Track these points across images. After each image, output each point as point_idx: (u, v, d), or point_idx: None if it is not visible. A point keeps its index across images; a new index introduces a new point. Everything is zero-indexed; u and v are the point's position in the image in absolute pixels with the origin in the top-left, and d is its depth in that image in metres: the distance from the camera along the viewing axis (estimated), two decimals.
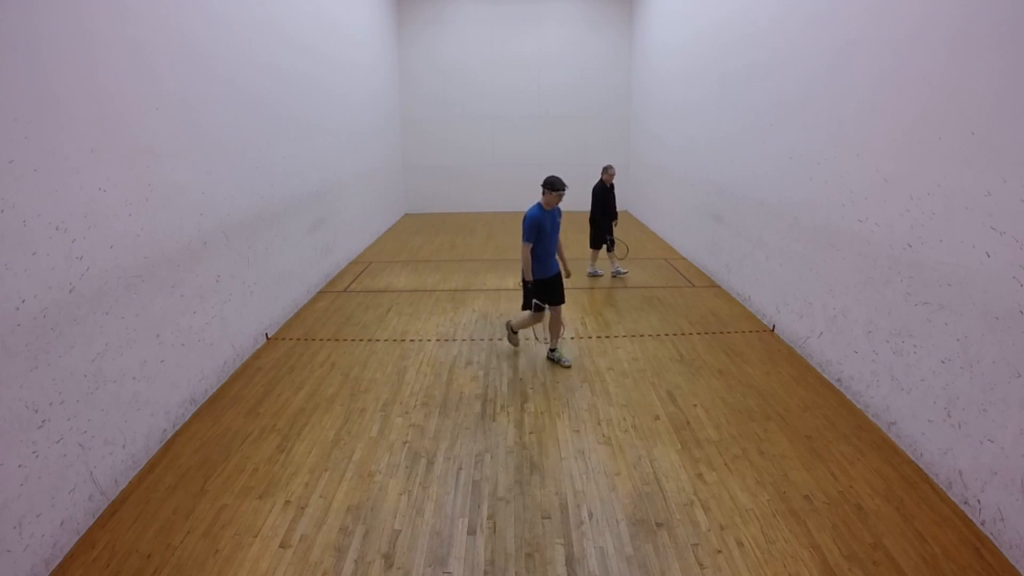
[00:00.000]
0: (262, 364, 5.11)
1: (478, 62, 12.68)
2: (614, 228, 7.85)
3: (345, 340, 5.65)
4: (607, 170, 7.63)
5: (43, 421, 2.84)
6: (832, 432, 3.95)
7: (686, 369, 4.95)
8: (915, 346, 3.66)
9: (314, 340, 5.66)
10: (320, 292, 7.25)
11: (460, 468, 3.60)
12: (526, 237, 4.71)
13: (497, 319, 6.23)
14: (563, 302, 5.04)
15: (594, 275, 7.91)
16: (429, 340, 5.64)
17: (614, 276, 7.88)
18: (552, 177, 4.67)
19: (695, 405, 4.33)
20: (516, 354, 5.30)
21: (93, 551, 2.94)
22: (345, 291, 7.34)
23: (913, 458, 3.64)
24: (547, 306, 4.94)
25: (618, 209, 8.40)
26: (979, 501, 3.07)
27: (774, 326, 5.76)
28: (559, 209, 4.88)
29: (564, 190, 4.66)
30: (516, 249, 9.59)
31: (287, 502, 3.29)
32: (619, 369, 4.94)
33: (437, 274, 8.10)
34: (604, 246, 7.72)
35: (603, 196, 7.60)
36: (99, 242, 3.32)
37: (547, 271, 4.89)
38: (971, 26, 3.21)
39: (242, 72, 5.25)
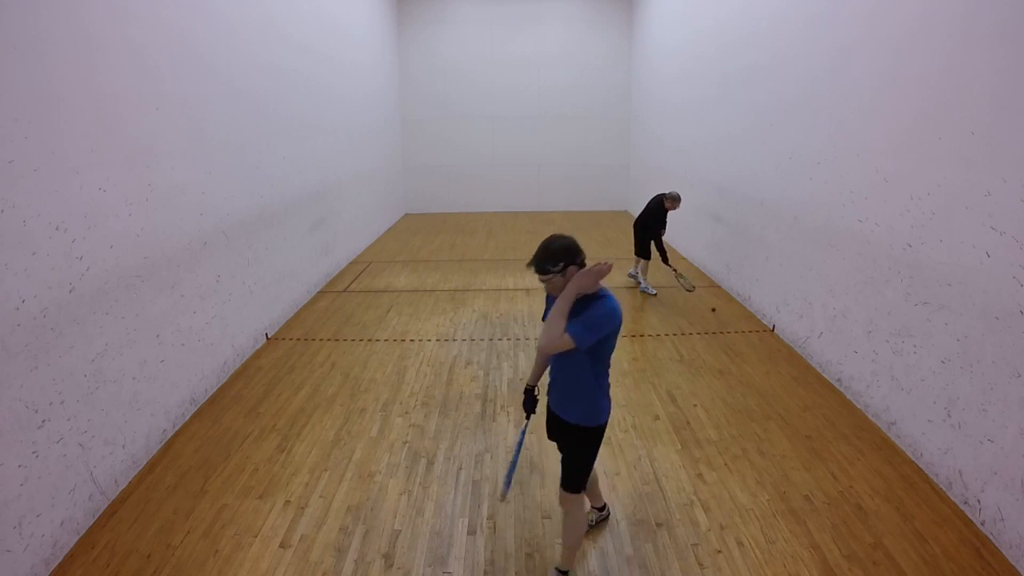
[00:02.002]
0: (262, 364, 5.11)
1: (478, 62, 12.68)
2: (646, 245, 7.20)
3: (345, 340, 5.65)
4: (675, 200, 6.85)
5: (43, 421, 2.84)
6: (832, 432, 3.95)
7: (686, 369, 4.94)
8: (915, 346, 3.66)
9: (314, 340, 5.66)
10: (320, 292, 7.25)
11: (460, 468, 3.60)
12: (573, 330, 2.26)
13: (497, 319, 6.23)
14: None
15: (644, 291, 7.16)
16: (429, 340, 5.64)
17: (629, 275, 7.60)
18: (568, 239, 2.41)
19: (695, 405, 4.33)
20: (516, 354, 5.30)
21: (93, 551, 2.94)
22: (345, 291, 7.34)
23: (913, 458, 3.64)
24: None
25: (618, 210, 8.06)
26: (979, 501, 3.07)
27: (774, 326, 5.76)
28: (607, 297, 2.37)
29: (538, 268, 2.35)
30: (515, 248, 9.60)
31: (287, 502, 3.29)
32: (619, 369, 4.93)
33: (437, 274, 8.10)
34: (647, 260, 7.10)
35: (654, 212, 6.95)
36: (99, 242, 3.32)
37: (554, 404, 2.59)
38: (971, 26, 3.21)
39: (242, 72, 5.25)
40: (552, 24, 12.60)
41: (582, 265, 2.36)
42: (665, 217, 7.00)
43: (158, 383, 3.84)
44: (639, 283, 7.33)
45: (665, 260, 6.82)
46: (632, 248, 7.32)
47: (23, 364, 2.74)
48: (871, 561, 2.82)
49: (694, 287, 6.77)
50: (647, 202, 7.15)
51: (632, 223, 7.52)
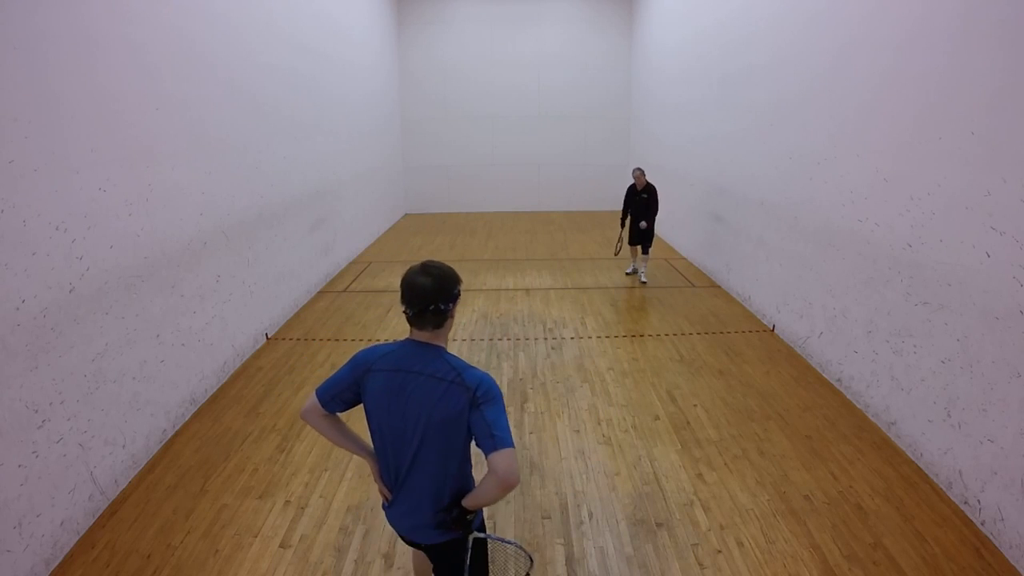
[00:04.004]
0: (262, 364, 5.11)
1: (478, 62, 12.68)
2: (629, 230, 7.58)
3: (345, 340, 5.65)
4: (635, 173, 7.41)
5: (43, 421, 2.84)
6: (832, 432, 3.95)
7: (686, 369, 4.94)
8: (915, 346, 3.66)
9: (314, 340, 5.66)
10: (320, 292, 7.25)
11: None
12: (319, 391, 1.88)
13: (497, 319, 6.23)
14: None
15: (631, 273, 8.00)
16: None
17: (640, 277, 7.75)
18: (411, 271, 1.79)
19: (695, 405, 4.33)
20: (516, 354, 5.30)
21: (93, 551, 2.94)
22: (345, 291, 7.33)
23: (913, 458, 3.64)
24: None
25: (618, 209, 8.14)
26: (979, 501, 3.07)
27: (774, 326, 5.76)
28: (443, 361, 1.78)
29: (414, 308, 1.74)
30: (515, 248, 9.59)
31: (287, 502, 3.29)
32: (619, 369, 4.94)
33: None
34: (640, 246, 7.54)
35: (628, 197, 7.50)
36: (99, 242, 3.32)
37: (391, 512, 1.95)
38: (971, 26, 3.21)
39: (242, 72, 5.25)
40: (552, 24, 12.60)
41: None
42: (636, 197, 7.39)
43: (158, 383, 3.84)
44: (637, 273, 7.84)
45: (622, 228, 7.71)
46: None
47: (23, 364, 2.74)
48: (871, 561, 2.82)
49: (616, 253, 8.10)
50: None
51: (641, 224, 7.67)
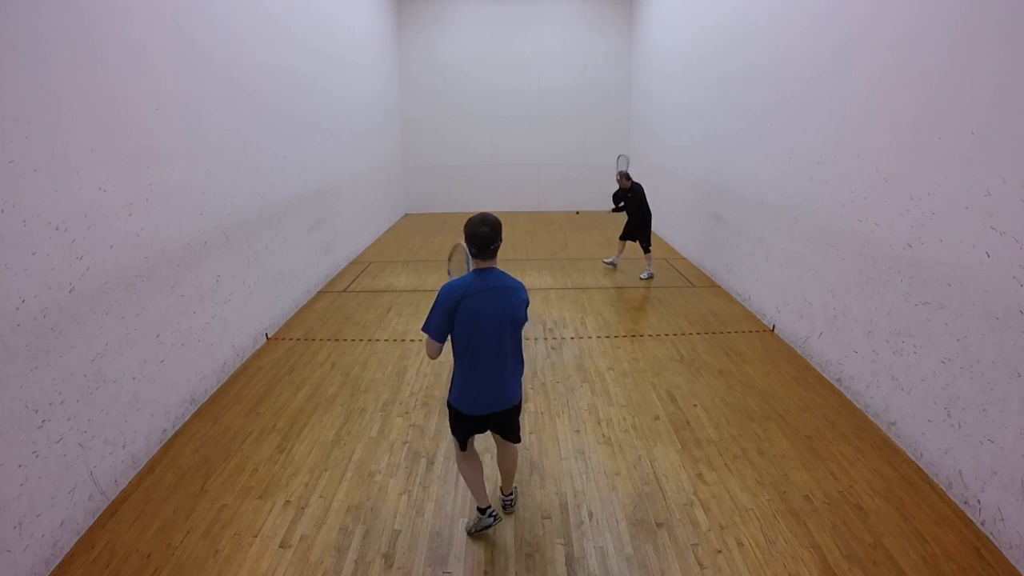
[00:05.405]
0: (262, 364, 5.11)
1: (478, 62, 12.68)
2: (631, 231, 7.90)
3: (345, 340, 5.65)
4: (618, 177, 7.92)
5: (43, 421, 2.84)
6: (832, 432, 3.95)
7: (686, 369, 4.94)
8: (915, 346, 3.66)
9: (314, 340, 5.66)
10: (320, 292, 7.25)
11: None
12: (427, 324, 2.68)
13: None
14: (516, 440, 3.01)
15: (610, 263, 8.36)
16: None
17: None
18: (473, 223, 2.62)
19: (695, 405, 4.33)
20: None
21: (93, 551, 2.94)
22: (345, 291, 7.34)
23: (913, 458, 3.64)
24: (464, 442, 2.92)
25: (617, 210, 8.22)
26: (979, 501, 3.07)
27: (774, 326, 5.76)
28: (505, 282, 2.68)
29: (481, 247, 2.62)
30: (515, 248, 9.59)
31: (287, 502, 3.29)
32: (619, 369, 4.94)
33: (437, 274, 8.10)
34: (631, 240, 7.93)
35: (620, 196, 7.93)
36: (99, 242, 3.32)
37: (472, 401, 2.76)
38: (971, 26, 3.21)
39: (242, 72, 5.25)
40: (552, 24, 12.60)
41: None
42: (623, 198, 7.80)
43: (158, 383, 3.84)
44: (612, 264, 8.31)
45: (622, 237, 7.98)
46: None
47: (23, 364, 2.74)
48: (871, 561, 2.82)
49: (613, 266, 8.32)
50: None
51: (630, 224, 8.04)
